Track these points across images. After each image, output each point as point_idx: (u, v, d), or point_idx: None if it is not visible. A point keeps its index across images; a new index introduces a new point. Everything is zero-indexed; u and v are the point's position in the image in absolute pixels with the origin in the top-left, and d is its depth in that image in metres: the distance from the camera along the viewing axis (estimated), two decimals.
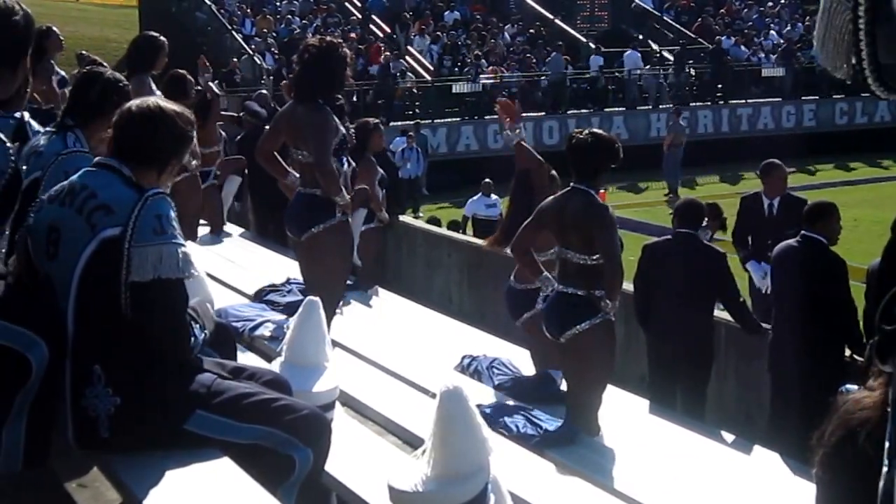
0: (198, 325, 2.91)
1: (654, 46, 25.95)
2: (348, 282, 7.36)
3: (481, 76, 22.72)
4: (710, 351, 6.37)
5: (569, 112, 22.79)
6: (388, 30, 24.70)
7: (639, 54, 24.66)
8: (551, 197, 5.02)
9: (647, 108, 23.78)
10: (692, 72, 24.86)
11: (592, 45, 24.65)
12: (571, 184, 4.86)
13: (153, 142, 2.86)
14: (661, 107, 23.44)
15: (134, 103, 2.94)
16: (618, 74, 24.32)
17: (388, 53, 22.77)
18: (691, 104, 23.94)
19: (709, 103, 24.51)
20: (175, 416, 2.76)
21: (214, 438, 2.78)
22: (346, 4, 26.20)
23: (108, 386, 2.70)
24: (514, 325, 5.83)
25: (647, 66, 24.75)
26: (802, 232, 5.95)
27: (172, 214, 2.77)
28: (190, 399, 2.77)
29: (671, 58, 25.25)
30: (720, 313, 6.61)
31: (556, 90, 23.37)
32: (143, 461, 2.75)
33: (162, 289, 2.70)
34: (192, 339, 2.86)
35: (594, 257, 4.74)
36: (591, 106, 23.50)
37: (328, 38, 5.56)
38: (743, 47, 25.90)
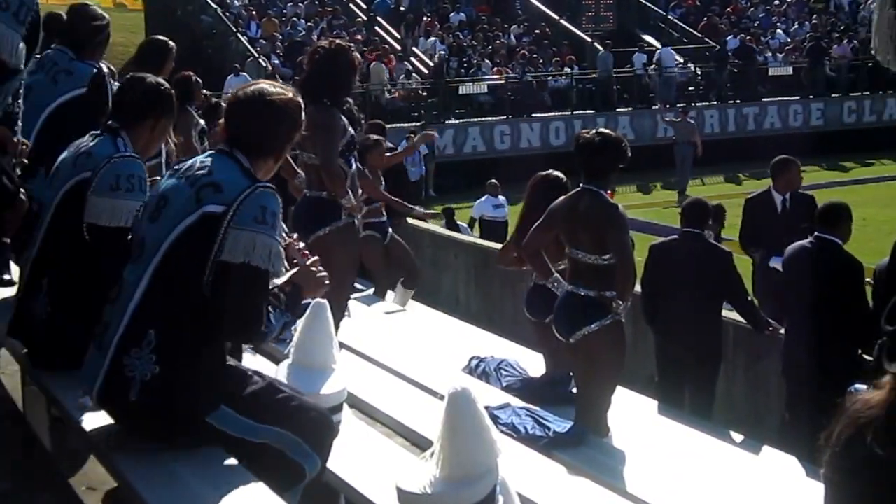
0: (275, 312, 2.85)
1: (658, 46, 25.87)
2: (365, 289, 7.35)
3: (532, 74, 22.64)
4: (718, 350, 6.34)
5: (574, 112, 22.76)
6: (393, 31, 24.67)
7: (673, 52, 24.60)
8: (562, 197, 5.01)
9: (654, 107, 23.75)
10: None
11: (599, 46, 24.58)
12: (581, 184, 4.85)
13: (263, 131, 2.89)
14: (668, 106, 23.39)
15: (242, 90, 2.96)
16: (653, 72, 24.31)
17: (441, 52, 22.76)
18: (715, 103, 24.06)
19: (740, 102, 24.54)
20: (201, 406, 2.75)
21: (229, 435, 2.78)
22: (351, 6, 26.17)
23: (154, 353, 2.71)
24: (523, 326, 5.82)
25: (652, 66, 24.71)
26: (816, 233, 5.84)
27: (277, 211, 2.78)
28: (220, 393, 2.77)
29: (678, 57, 25.16)
30: (728, 313, 6.59)
31: (605, 89, 23.36)
32: (151, 462, 2.75)
33: (247, 274, 2.71)
34: (266, 327, 2.81)
35: (605, 257, 4.73)
36: (639, 105, 23.65)
37: (338, 41, 5.55)
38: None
